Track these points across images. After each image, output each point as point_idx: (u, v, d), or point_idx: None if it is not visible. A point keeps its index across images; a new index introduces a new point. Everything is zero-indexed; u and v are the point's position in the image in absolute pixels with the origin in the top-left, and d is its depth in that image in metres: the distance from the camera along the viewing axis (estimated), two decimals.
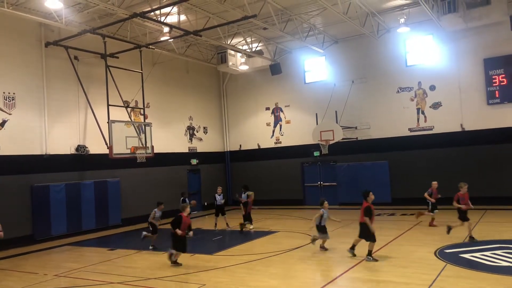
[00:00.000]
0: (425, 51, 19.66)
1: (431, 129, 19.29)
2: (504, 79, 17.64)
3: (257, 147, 24.03)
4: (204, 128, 23.98)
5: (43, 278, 10.27)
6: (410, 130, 19.79)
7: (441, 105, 19.13)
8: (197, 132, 23.41)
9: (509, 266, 8.84)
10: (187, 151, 22.63)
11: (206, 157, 23.65)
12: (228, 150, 25.21)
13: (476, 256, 9.75)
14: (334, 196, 20.94)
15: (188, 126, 22.86)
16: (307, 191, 22.31)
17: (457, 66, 18.74)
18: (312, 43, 20.06)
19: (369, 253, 9.96)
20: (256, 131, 24.13)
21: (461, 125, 18.60)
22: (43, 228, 15.54)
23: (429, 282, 8.02)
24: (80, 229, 16.74)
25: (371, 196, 10.17)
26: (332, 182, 21.58)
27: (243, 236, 14.57)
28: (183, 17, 16.74)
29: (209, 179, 23.53)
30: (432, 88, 19.33)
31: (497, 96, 17.80)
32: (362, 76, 20.86)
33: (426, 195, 14.33)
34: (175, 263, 10.60)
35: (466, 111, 18.52)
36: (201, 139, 23.61)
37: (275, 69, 21.69)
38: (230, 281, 9.11)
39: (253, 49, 20.87)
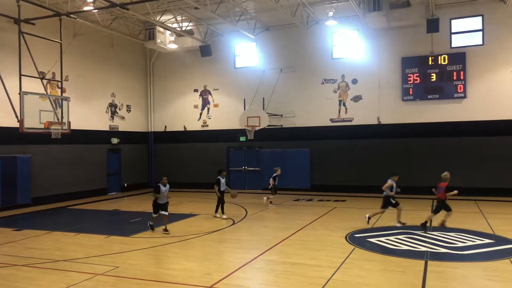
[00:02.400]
0: (350, 45, 20.51)
1: (351, 121, 20.31)
2: (418, 78, 19.01)
3: (183, 129, 23.65)
4: (128, 106, 23.05)
5: None
6: (332, 120, 20.67)
7: (361, 99, 20.18)
8: (119, 110, 22.43)
9: (408, 250, 9.65)
10: (107, 129, 21.63)
11: (128, 137, 22.81)
12: (152, 130, 24.53)
13: (382, 240, 10.50)
14: (258, 181, 21.38)
15: (110, 103, 21.82)
16: (232, 175, 22.48)
17: (378, 63, 19.82)
18: (243, 28, 20.01)
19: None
20: (183, 113, 23.72)
21: (378, 118, 19.79)
22: None
23: (337, 264, 8.50)
24: None
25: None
26: (256, 167, 21.96)
27: (161, 218, 14.31)
28: None
29: (130, 159, 22.78)
30: (354, 81, 20.30)
31: (411, 93, 19.16)
32: (290, 65, 21.28)
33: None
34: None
35: (383, 105, 19.71)
36: (123, 118, 22.68)
37: (205, 50, 21.37)
38: (146, 263, 8.95)
39: (183, 28, 20.34)
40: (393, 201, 12.24)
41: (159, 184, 11.82)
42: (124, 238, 11.29)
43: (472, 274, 8.02)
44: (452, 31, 18.72)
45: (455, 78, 18.41)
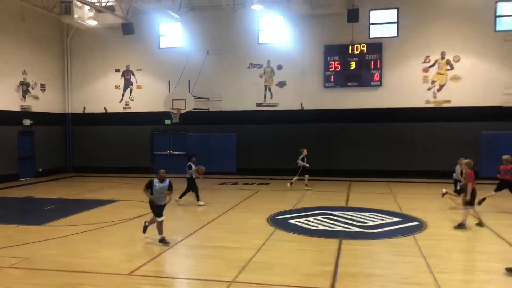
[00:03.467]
0: (276, 31, 20.75)
1: (276, 106, 20.70)
2: (339, 66, 19.81)
3: (104, 111, 22.54)
4: (42, 85, 21.40)
5: None
6: (258, 105, 20.91)
7: (286, 84, 20.61)
8: (32, 89, 20.75)
9: (324, 230, 10.17)
10: (19, 109, 19.95)
11: (43, 118, 21.24)
12: (70, 112, 23.07)
13: (301, 221, 10.95)
14: (184, 165, 20.97)
15: (21, 81, 20.09)
16: (156, 159, 21.95)
17: (302, 49, 20.30)
18: (168, 7, 19.37)
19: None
20: (103, 94, 22.56)
21: (301, 104, 20.38)
22: None
23: (258, 247, 8.72)
24: None
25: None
26: (181, 151, 21.62)
27: (80, 204, 13.67)
28: None
29: (45, 142, 21.30)
30: (280, 67, 20.64)
31: (332, 80, 19.93)
32: (217, 48, 21.04)
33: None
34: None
35: (306, 91, 20.31)
36: (37, 98, 21.04)
37: (127, 28, 20.32)
38: (60, 253, 8.50)
39: (104, 4, 19.20)
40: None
41: (153, 179, 9.07)
42: (37, 227, 10.61)
43: (381, 250, 8.66)
44: (371, 22, 19.68)
45: (372, 67, 19.45)
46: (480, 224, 10.16)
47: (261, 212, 12.15)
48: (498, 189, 12.21)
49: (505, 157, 12.18)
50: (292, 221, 11.02)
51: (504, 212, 11.92)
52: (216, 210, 12.50)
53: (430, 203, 13.25)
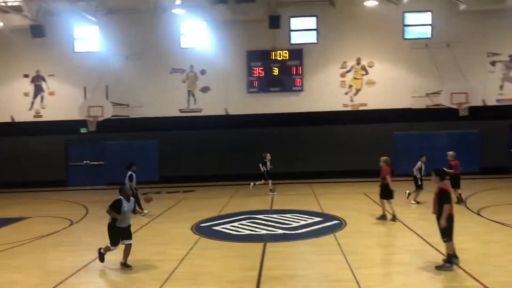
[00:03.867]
0: (198, 35, 20.52)
1: (200, 112, 20.43)
2: (262, 71, 20.06)
3: (10, 120, 20.66)
4: None
5: None
6: (181, 111, 20.50)
7: (210, 89, 20.44)
8: None
9: (249, 234, 10.13)
10: None
11: None
12: None
13: (226, 228, 10.81)
14: (101, 176, 19.98)
15: None
16: (71, 170, 20.57)
17: (225, 54, 20.24)
18: (83, 9, 18.32)
19: None
20: (10, 102, 20.68)
21: (226, 109, 20.32)
22: None
23: (181, 257, 8.42)
24: None
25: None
26: (100, 161, 20.48)
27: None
28: None
29: None
30: (203, 72, 20.43)
31: (255, 85, 20.13)
32: (137, 53, 20.26)
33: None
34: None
35: (230, 97, 20.28)
36: None
37: (37, 31, 18.86)
38: None
39: (9, 4, 17.67)
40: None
41: (120, 198, 7.90)
42: None
43: (304, 250, 8.79)
44: (291, 28, 20.22)
45: (294, 73, 19.96)
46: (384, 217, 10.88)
47: (185, 220, 11.81)
48: (456, 185, 12.53)
49: (450, 153, 12.91)
50: (217, 228, 10.85)
51: (419, 207, 12.73)
52: (137, 221, 11.88)
53: (350, 202, 13.82)
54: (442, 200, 6.96)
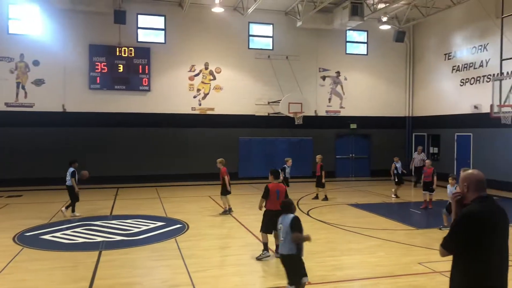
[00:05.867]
0: (31, 21, 18.26)
1: (32, 107, 18.20)
2: (105, 67, 18.88)
3: None
4: None
5: None
6: (8, 105, 17.96)
7: (44, 83, 18.38)
8: None
9: (84, 242, 9.35)
10: None
11: None
12: None
13: (57, 236, 9.80)
14: None
15: None
16: None
17: (64, 46, 18.47)
18: None
19: None
20: None
21: (63, 105, 18.53)
22: None
23: None
24: None
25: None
26: None
27: None
28: None
29: None
30: (36, 63, 18.26)
31: (98, 82, 18.83)
32: None
33: None
34: None
35: (69, 92, 18.58)
36: None
37: None
38: None
39: None
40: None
41: None
42: None
43: (142, 257, 8.48)
44: (139, 25, 19.54)
45: (140, 72, 19.29)
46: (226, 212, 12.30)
47: (7, 230, 10.33)
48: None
49: (428, 161, 14.16)
50: (46, 237, 9.75)
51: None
52: None
53: (194, 205, 13.93)
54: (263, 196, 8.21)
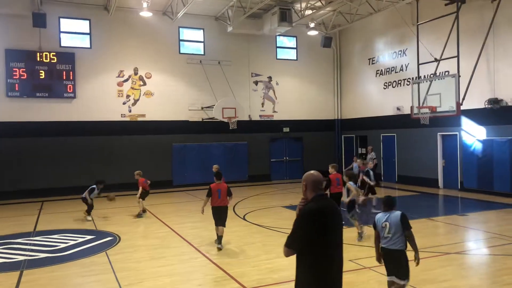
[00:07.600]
0: None
1: None
2: (25, 73, 17.62)
3: None
4: None
5: None
6: None
7: None
8: None
9: (3, 263, 8.62)
10: None
11: None
12: None
13: None
14: None
15: None
16: None
17: None
18: None
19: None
20: None
21: None
22: None
23: None
24: None
25: None
26: None
27: None
28: None
29: None
30: None
31: (17, 89, 17.54)
32: None
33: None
34: None
35: None
36: None
37: None
38: None
39: None
40: None
41: None
42: None
43: (69, 274, 7.97)
44: (61, 30, 18.51)
45: (64, 78, 18.25)
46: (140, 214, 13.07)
47: None
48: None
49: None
50: None
51: (193, 216, 13.26)
52: None
53: (126, 216, 13.39)
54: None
